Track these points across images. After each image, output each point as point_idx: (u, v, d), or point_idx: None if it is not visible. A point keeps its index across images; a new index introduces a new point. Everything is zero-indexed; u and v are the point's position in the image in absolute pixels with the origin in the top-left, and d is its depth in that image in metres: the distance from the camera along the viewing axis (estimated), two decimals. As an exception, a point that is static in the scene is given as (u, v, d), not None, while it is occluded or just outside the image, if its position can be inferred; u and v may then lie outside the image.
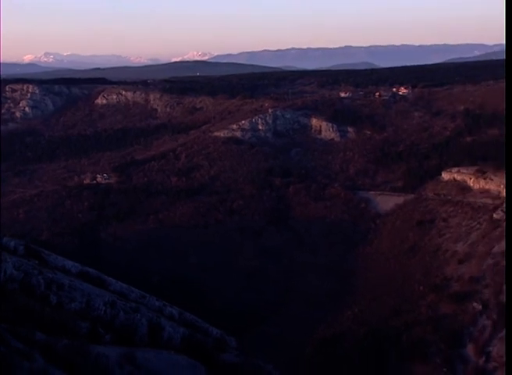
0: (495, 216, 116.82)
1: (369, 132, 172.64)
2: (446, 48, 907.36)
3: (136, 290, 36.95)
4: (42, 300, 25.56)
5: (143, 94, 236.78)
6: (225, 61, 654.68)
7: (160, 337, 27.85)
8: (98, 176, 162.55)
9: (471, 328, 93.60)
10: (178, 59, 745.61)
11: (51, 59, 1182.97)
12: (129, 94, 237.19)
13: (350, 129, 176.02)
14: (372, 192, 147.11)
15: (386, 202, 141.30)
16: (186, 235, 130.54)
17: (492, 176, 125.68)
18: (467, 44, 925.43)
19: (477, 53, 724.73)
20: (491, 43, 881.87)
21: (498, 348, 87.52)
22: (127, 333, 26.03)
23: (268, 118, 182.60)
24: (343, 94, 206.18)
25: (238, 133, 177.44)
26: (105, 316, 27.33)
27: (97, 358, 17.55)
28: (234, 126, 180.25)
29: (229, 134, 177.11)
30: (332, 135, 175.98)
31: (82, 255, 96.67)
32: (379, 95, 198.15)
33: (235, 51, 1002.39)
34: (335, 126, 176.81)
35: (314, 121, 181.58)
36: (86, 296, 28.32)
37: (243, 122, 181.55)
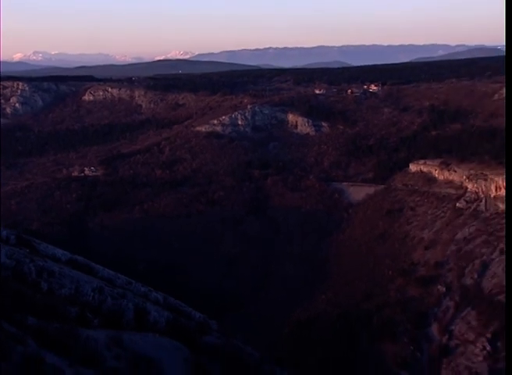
0: (458, 205, 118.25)
1: (342, 127, 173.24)
2: (412, 48, 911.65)
3: (123, 276, 36.98)
4: (34, 287, 25.56)
5: (128, 91, 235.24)
6: (206, 60, 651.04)
7: (146, 321, 27.97)
8: (86, 169, 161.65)
9: (436, 309, 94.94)
10: (161, 58, 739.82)
11: (39, 58, 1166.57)
12: (115, 91, 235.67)
13: (324, 124, 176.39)
14: (345, 183, 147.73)
15: (358, 193, 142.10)
16: (170, 225, 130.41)
17: (456, 168, 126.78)
18: (432, 45, 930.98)
19: (441, 53, 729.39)
20: (453, 44, 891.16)
21: (460, 327, 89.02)
22: (114, 318, 26.12)
23: (247, 113, 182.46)
24: (317, 91, 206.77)
25: (219, 128, 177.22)
26: (94, 301, 27.39)
27: (86, 341, 17.69)
28: (215, 122, 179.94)
29: (210, 129, 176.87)
30: (308, 130, 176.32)
31: (71, 243, 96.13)
32: (351, 92, 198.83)
33: (215, 51, 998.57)
34: (310, 121, 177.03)
35: (291, 116, 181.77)
36: (75, 283, 28.33)
37: (223, 117, 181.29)
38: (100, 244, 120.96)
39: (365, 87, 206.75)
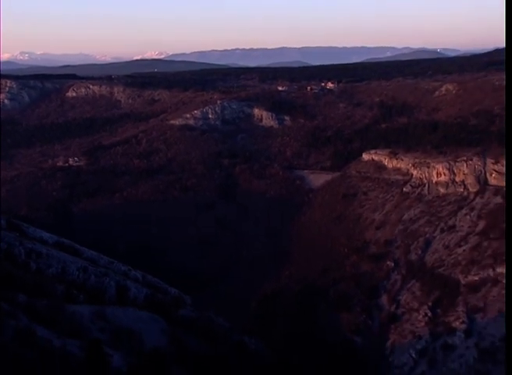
0: (404, 189, 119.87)
1: (302, 120, 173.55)
2: (364, 49, 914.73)
3: (105, 257, 36.89)
4: (23, 267, 25.44)
5: (108, 88, 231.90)
6: (179, 59, 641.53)
7: (126, 297, 28.04)
8: (70, 159, 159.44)
9: (385, 282, 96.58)
10: (138, 58, 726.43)
11: (26, 58, 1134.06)
12: (96, 88, 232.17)
13: (286, 117, 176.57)
14: (305, 171, 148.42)
15: (317, 179, 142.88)
16: (147, 209, 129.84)
17: (403, 157, 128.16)
18: (381, 47, 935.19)
19: (389, 54, 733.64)
20: (400, 46, 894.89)
21: (406, 297, 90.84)
22: (98, 294, 26.15)
23: (217, 108, 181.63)
24: (280, 88, 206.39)
25: (191, 122, 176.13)
26: (78, 279, 27.33)
27: (72, 316, 17.76)
28: (188, 115, 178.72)
29: (184, 122, 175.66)
30: (272, 123, 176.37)
31: (57, 227, 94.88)
32: (310, 89, 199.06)
33: (187, 51, 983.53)
34: (274, 115, 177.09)
35: (256, 111, 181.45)
36: (61, 263, 28.23)
37: (195, 111, 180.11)
38: (83, 227, 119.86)
39: (323, 84, 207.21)
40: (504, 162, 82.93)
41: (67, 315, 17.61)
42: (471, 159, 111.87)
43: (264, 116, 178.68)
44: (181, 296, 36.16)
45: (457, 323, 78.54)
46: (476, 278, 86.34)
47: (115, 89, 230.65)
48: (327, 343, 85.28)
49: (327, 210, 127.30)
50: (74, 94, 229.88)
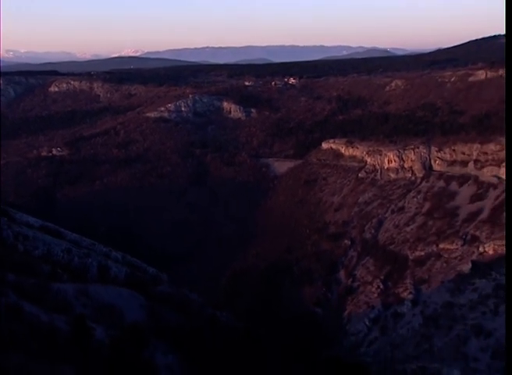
0: (360, 175, 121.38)
1: (267, 112, 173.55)
2: (322, 48, 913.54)
3: (87, 239, 36.45)
4: (12, 248, 25.08)
5: (88, 83, 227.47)
6: (153, 57, 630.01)
7: (107, 275, 27.90)
8: (53, 149, 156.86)
9: (343, 258, 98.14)
10: (116, 55, 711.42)
11: (11, 55, 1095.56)
12: (77, 84, 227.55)
13: (252, 110, 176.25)
14: (271, 159, 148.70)
15: (281, 166, 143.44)
16: (125, 195, 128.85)
17: (358, 146, 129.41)
18: (338, 46, 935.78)
19: (345, 53, 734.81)
20: (354, 45, 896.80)
21: (361, 272, 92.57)
22: (81, 273, 25.98)
23: (189, 102, 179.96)
24: (246, 83, 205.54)
25: (165, 114, 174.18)
26: (63, 260, 27.09)
27: (57, 293, 17.67)
28: (162, 109, 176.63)
29: (158, 115, 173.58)
30: (239, 115, 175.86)
31: (42, 212, 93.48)
32: (274, 84, 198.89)
33: (161, 49, 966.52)
34: (241, 107, 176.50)
35: (225, 104, 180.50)
36: (47, 245, 27.92)
37: (169, 105, 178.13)
38: (67, 212, 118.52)
39: (286, 80, 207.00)
40: (505, 163, 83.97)
41: (53, 292, 17.50)
42: (418, 147, 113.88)
43: (232, 109, 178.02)
44: (158, 274, 36.03)
45: (405, 294, 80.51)
46: (422, 253, 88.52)
47: (95, 84, 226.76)
48: (291, 314, 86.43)
49: (290, 194, 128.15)
50: (56, 89, 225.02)
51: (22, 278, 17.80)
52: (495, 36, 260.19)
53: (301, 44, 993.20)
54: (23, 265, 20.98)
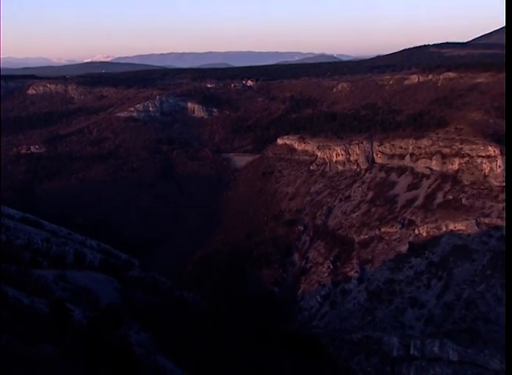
0: (311, 167, 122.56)
1: (228, 112, 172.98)
2: (276, 54, 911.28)
3: (64, 229, 35.90)
4: (-6, 239, 24.51)
5: (63, 86, 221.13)
6: (123, 62, 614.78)
7: (83, 262, 27.61)
8: (32, 147, 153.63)
9: (297, 243, 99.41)
10: (89, 60, 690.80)
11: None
12: (53, 87, 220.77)
13: (214, 110, 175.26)
14: (231, 154, 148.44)
15: (241, 160, 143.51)
16: (99, 188, 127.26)
17: (309, 141, 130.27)
18: (291, 52, 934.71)
19: (297, 58, 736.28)
20: (305, 52, 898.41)
21: (313, 254, 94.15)
22: (59, 260, 25.60)
23: (156, 102, 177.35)
24: (208, 85, 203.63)
25: (135, 114, 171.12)
26: (42, 248, 26.64)
27: (38, 278, 17.43)
28: (132, 109, 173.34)
29: (128, 115, 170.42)
30: (202, 114, 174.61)
31: (22, 205, 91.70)
32: (234, 86, 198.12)
33: (130, 54, 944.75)
34: (204, 107, 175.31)
35: (190, 104, 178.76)
36: (27, 235, 27.45)
37: (138, 105, 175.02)
38: (45, 204, 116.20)
39: (244, 82, 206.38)
40: (504, 161, 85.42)
41: (34, 278, 17.27)
42: (362, 143, 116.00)
43: (196, 109, 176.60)
44: (130, 260, 35.80)
45: (352, 273, 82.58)
46: (366, 237, 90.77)
47: (69, 87, 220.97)
48: (252, 294, 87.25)
49: (249, 186, 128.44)
50: (34, 92, 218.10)
51: (5, 265, 17.45)
52: (425, 45, 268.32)
53: (257, 50, 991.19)
54: (6, 253, 20.56)
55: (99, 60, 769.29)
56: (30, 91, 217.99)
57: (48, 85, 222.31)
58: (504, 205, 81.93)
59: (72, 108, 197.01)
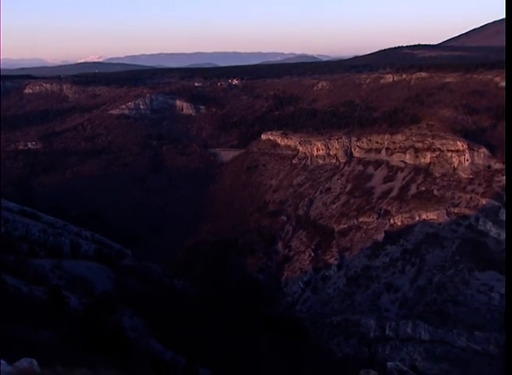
0: (293, 161, 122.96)
1: (214, 109, 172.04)
2: (260, 54, 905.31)
3: (60, 221, 35.69)
4: (-6, 230, 24.30)
5: (58, 86, 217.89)
6: (115, 62, 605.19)
7: (79, 252, 27.51)
8: (28, 143, 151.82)
9: (281, 232, 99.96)
10: (82, 61, 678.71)
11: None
12: (48, 86, 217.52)
13: (202, 107, 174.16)
14: (218, 149, 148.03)
15: (227, 155, 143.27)
16: (93, 182, 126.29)
17: (292, 137, 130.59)
18: (273, 52, 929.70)
19: (279, 58, 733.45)
20: (287, 52, 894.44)
21: (295, 243, 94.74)
22: (56, 250, 25.47)
23: (146, 100, 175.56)
24: (196, 84, 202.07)
25: (126, 111, 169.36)
26: (40, 239, 26.49)
27: (36, 267, 17.35)
28: (123, 107, 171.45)
29: (120, 112, 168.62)
30: (190, 111, 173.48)
31: (20, 198, 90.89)
32: (220, 85, 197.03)
33: (122, 55, 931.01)
34: (192, 105, 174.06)
35: (178, 102, 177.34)
36: (25, 226, 27.26)
37: (129, 103, 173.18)
38: (42, 198, 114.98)
39: (230, 81, 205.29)
40: (504, 160, 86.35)
41: (32, 267, 17.20)
42: (341, 138, 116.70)
43: (184, 106, 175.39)
44: (123, 250, 35.75)
45: (332, 260, 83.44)
46: (345, 226, 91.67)
47: (64, 86, 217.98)
48: (238, 281, 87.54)
49: (235, 179, 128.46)
50: (30, 91, 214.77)
51: (4, 255, 17.35)
52: (399, 47, 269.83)
53: (242, 51, 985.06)
54: (5, 244, 20.43)
55: (92, 60, 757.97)
56: (27, 91, 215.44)
57: (44, 85, 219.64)
58: (472, 195, 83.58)
59: (67, 106, 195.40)
